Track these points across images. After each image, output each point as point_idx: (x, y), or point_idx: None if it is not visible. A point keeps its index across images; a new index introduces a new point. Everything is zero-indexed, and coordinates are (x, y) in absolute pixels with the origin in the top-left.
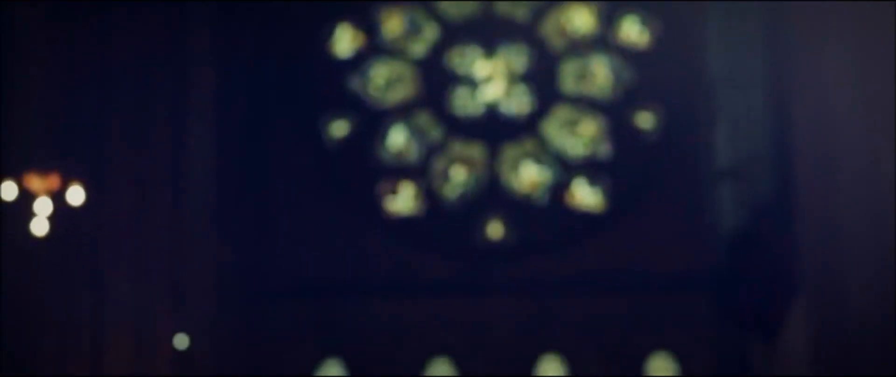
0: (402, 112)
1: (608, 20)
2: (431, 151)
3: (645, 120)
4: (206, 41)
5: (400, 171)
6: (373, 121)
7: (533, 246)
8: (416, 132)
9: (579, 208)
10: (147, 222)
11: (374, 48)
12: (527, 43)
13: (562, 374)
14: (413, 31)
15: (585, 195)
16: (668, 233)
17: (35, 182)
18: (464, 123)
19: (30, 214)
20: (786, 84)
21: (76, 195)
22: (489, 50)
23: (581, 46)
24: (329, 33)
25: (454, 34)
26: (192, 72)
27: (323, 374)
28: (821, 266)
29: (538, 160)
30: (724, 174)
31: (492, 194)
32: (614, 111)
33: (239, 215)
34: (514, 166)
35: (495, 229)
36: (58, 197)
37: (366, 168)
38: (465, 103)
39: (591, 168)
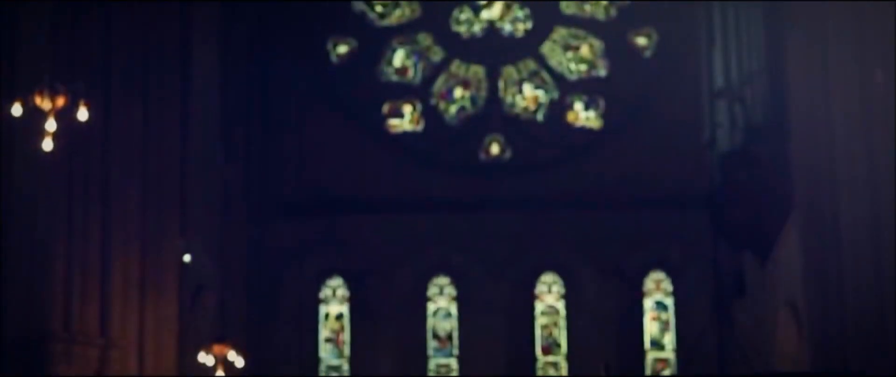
0: (404, 32)
1: None
2: (433, 71)
3: (642, 40)
4: None
5: (402, 90)
6: (375, 41)
7: (532, 164)
8: (417, 52)
9: (578, 127)
10: (153, 140)
11: None
12: None
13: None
14: None
15: (584, 114)
16: (665, 152)
17: (43, 100)
18: (464, 44)
19: (39, 132)
20: (783, 8)
21: (84, 113)
22: None
23: None
24: None
25: None
26: None
27: (326, 290)
28: (814, 184)
29: (537, 80)
30: (720, 94)
31: (492, 113)
32: (612, 32)
33: (244, 133)
34: (514, 86)
35: (495, 147)
36: (66, 115)
37: (368, 87)
38: (466, 24)
39: (589, 87)
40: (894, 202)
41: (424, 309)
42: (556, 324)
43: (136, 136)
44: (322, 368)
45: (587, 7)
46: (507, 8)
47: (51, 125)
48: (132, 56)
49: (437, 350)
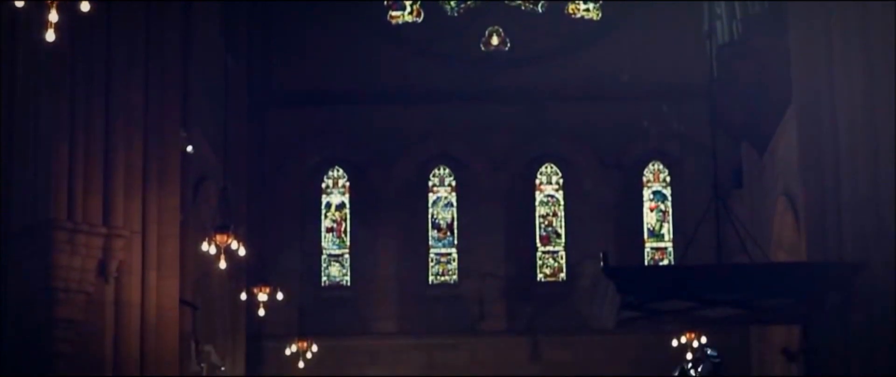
0: None
1: None
2: None
3: None
4: None
5: None
6: None
7: (532, 55)
8: None
9: (578, 18)
10: (155, 31)
11: None
12: None
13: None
14: None
15: (583, 5)
16: (664, 44)
17: None
18: None
19: (41, 23)
20: None
21: (86, 4)
22: None
23: None
24: None
25: None
26: None
27: (327, 180)
28: (812, 76)
29: None
30: None
31: (492, 4)
32: None
33: (246, 24)
34: None
35: (495, 38)
36: (68, 6)
37: None
38: None
39: None
40: (892, 94)
41: (425, 198)
42: (555, 214)
43: (138, 27)
44: (323, 258)
45: None
46: None
47: (53, 16)
48: None
49: (437, 239)
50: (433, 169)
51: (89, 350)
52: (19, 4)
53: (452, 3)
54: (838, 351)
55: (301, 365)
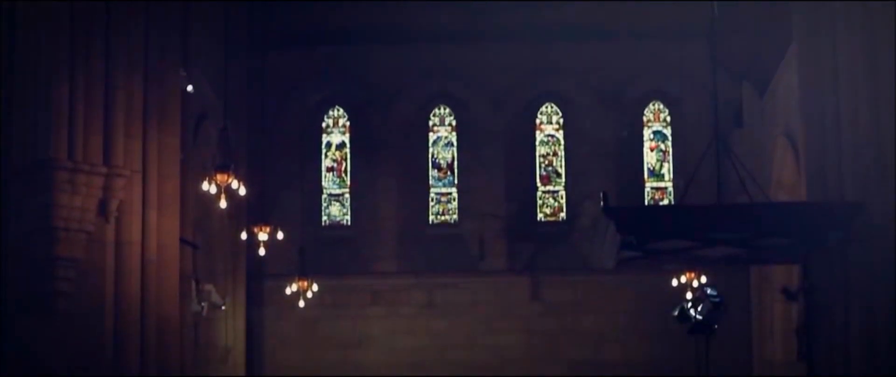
0: None
1: None
2: None
3: None
4: None
5: None
6: None
7: None
8: None
9: None
10: None
11: None
12: None
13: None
14: None
15: None
16: None
17: None
18: None
19: None
20: None
21: None
22: None
23: None
24: None
25: None
26: None
27: (327, 119)
28: (812, 15)
29: None
30: None
31: None
32: None
33: None
34: None
35: None
36: None
37: None
38: None
39: None
40: (893, 34)
41: (425, 138)
42: (555, 154)
43: None
44: (324, 197)
45: None
46: None
47: None
48: None
49: (437, 179)
50: (433, 108)
51: (90, 289)
52: None
53: None
54: (838, 290)
55: (301, 304)
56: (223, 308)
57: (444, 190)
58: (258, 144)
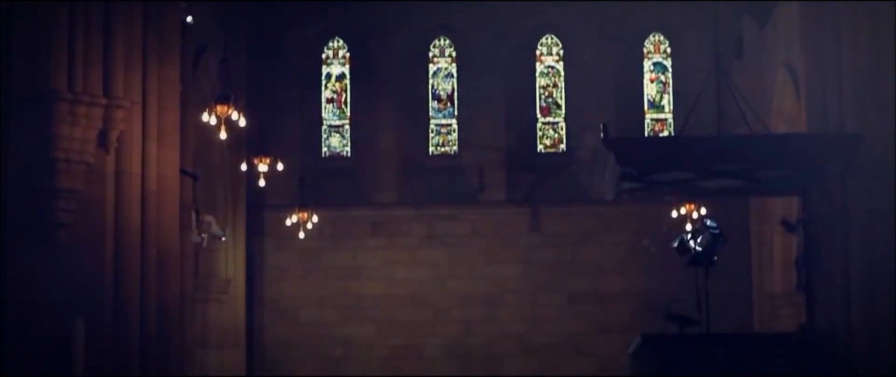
0: None
1: None
2: None
3: None
4: None
5: None
6: None
7: None
8: None
9: None
10: None
11: None
12: None
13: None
14: None
15: None
16: None
17: None
18: None
19: None
20: None
21: None
22: None
23: None
24: None
25: None
26: None
27: (327, 50)
28: None
29: None
30: None
31: None
32: None
33: None
34: None
35: None
36: None
37: None
38: None
39: None
40: None
41: (425, 69)
42: (555, 86)
43: None
44: (324, 129)
45: None
46: None
47: None
48: None
49: (437, 110)
50: (433, 40)
51: (90, 220)
52: None
53: None
54: (837, 221)
55: (301, 235)
56: (223, 239)
57: (444, 121)
58: (258, 76)
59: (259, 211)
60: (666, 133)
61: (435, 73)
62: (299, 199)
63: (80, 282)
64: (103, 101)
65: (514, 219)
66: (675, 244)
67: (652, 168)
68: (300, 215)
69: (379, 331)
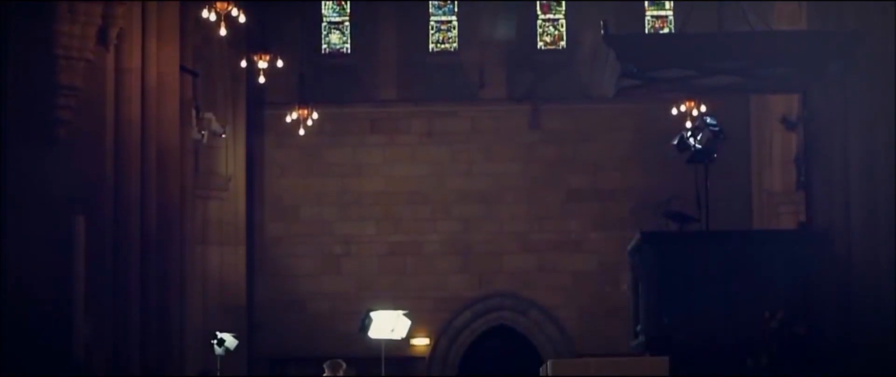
0: None
1: None
2: None
3: None
4: None
5: None
6: None
7: None
8: None
9: None
10: None
11: None
12: None
13: None
14: None
15: None
16: None
17: None
18: None
19: None
20: None
21: None
22: None
23: None
24: None
25: None
26: None
27: None
28: None
29: None
30: None
31: None
32: None
33: None
34: None
35: None
36: None
37: None
38: None
39: None
40: None
41: None
42: None
43: None
44: (323, 25)
45: None
46: None
47: None
48: None
49: (437, 7)
50: None
51: (90, 116)
52: None
53: None
54: (837, 119)
55: (301, 132)
56: (223, 136)
57: (444, 18)
58: None
59: (259, 108)
60: (667, 30)
61: None
62: (299, 96)
63: (81, 178)
64: None
65: (513, 116)
66: (675, 142)
67: (652, 65)
68: (300, 112)
69: (379, 228)
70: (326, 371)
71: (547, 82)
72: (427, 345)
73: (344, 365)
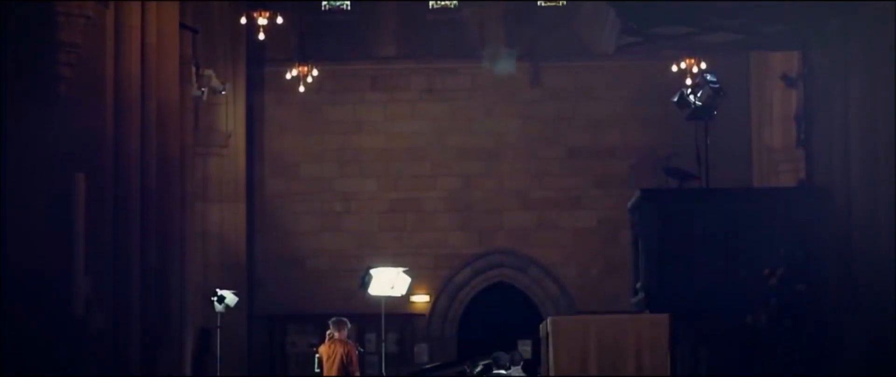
0: None
1: None
2: None
3: None
4: None
5: None
6: None
7: None
8: None
9: None
10: None
11: None
12: None
13: None
14: None
15: None
16: None
17: None
18: None
19: None
20: None
21: None
22: None
23: None
24: None
25: None
26: None
27: None
28: None
29: None
30: None
31: None
32: None
33: None
34: None
35: None
36: None
37: None
38: None
39: None
40: None
41: None
42: None
43: None
44: None
45: None
46: None
47: None
48: None
49: None
50: None
51: (90, 73)
52: None
53: None
54: (837, 76)
55: (301, 89)
56: (223, 93)
57: None
58: None
59: (259, 65)
60: None
61: None
62: (299, 53)
63: (81, 136)
64: None
65: (514, 73)
66: (675, 98)
67: (652, 22)
68: (300, 69)
69: (379, 184)
70: (331, 328)
71: (548, 39)
72: (427, 302)
73: (349, 323)
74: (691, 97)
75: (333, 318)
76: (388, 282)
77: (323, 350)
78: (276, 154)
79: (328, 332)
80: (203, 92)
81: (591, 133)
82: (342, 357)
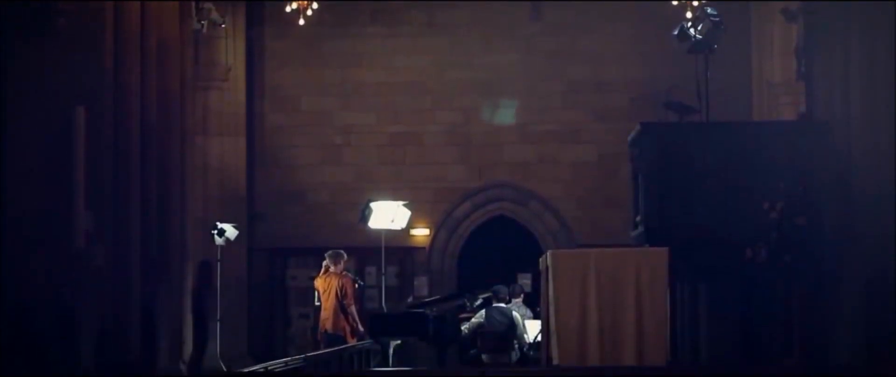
0: None
1: None
2: None
3: None
4: None
5: None
6: None
7: None
8: None
9: None
10: None
11: None
12: None
13: None
14: None
15: None
16: None
17: None
18: None
19: None
20: None
21: None
22: None
23: None
24: None
25: None
26: None
27: None
28: None
29: None
30: None
31: None
32: None
33: None
34: None
35: None
36: None
37: None
38: None
39: None
40: None
41: None
42: None
43: None
44: None
45: None
46: None
47: None
48: None
49: None
50: None
51: (89, 8)
52: None
53: None
54: (839, 10)
55: (301, 22)
56: (223, 26)
57: None
58: None
59: None
60: None
61: None
62: None
63: (80, 70)
64: None
65: (515, 7)
66: (676, 32)
67: None
68: (300, 2)
69: (379, 118)
70: (327, 261)
71: None
72: (427, 236)
73: (345, 256)
74: (691, 30)
75: (330, 251)
76: (387, 215)
77: (318, 283)
78: (275, 87)
79: (324, 264)
80: (203, 25)
81: (591, 67)
82: (337, 290)
